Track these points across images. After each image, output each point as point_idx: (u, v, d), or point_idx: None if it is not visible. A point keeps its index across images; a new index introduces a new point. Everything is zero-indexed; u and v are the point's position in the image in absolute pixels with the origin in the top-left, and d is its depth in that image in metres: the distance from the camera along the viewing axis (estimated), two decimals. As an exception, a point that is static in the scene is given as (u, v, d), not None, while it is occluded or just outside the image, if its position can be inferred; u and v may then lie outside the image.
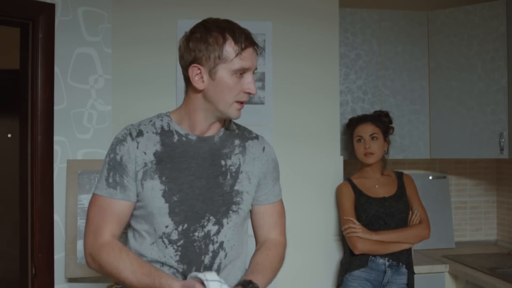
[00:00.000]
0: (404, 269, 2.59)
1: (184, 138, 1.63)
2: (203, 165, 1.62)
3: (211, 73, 1.56)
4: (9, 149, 4.42)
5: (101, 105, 2.58)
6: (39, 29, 2.40)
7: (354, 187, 2.72)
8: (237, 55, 1.54)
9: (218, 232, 1.63)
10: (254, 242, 1.82)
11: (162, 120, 1.66)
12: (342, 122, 3.00)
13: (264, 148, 1.75)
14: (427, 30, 3.19)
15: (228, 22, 1.60)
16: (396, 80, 3.16)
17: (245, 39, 1.56)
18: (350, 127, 2.83)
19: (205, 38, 1.55)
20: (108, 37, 2.60)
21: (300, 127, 2.79)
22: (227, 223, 1.64)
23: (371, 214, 2.63)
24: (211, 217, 1.62)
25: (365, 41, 3.12)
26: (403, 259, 2.60)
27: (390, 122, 2.80)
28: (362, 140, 2.71)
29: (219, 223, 1.62)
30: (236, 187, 1.65)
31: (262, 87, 2.73)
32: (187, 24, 2.67)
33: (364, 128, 2.72)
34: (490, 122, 2.95)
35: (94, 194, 1.61)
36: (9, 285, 4.04)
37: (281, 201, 1.82)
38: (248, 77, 1.58)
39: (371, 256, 2.59)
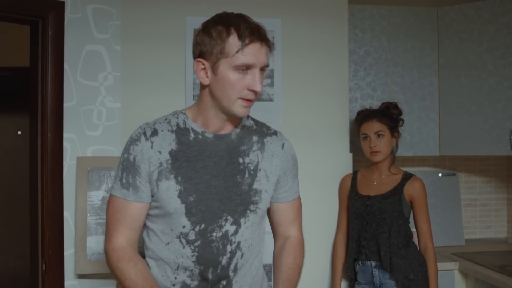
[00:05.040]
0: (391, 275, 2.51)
1: (200, 136, 1.60)
2: (220, 164, 1.59)
3: (214, 68, 1.52)
4: (19, 146, 4.45)
5: (111, 102, 2.58)
6: (48, 26, 2.41)
7: (354, 180, 2.73)
8: (239, 50, 1.48)
9: (236, 232, 1.60)
10: (271, 238, 1.82)
11: (177, 118, 1.63)
12: (352, 119, 3.00)
13: (283, 145, 1.72)
14: (437, 27, 3.17)
15: (239, 16, 1.54)
16: (405, 77, 3.14)
17: (250, 34, 1.49)
18: (357, 123, 2.79)
19: (210, 31, 1.51)
20: (117, 34, 2.61)
21: (309, 124, 2.78)
22: (245, 223, 1.61)
23: (353, 211, 2.65)
24: (229, 217, 1.58)
25: (374, 37, 3.11)
26: (385, 263, 2.50)
27: (400, 113, 2.73)
28: (367, 138, 2.67)
29: (236, 223, 1.59)
30: (254, 186, 1.62)
31: (271, 84, 2.73)
32: (196, 21, 2.67)
33: (369, 126, 2.67)
34: (501, 119, 2.92)
35: (110, 194, 1.61)
36: (20, 281, 4.07)
37: (299, 197, 1.81)
38: (253, 74, 1.51)
39: (359, 260, 2.60)
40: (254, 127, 1.70)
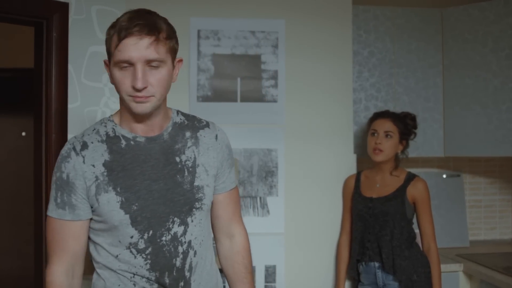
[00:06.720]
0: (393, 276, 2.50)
1: (132, 142, 1.56)
2: (158, 166, 1.56)
3: (110, 67, 1.52)
4: (24, 147, 4.46)
5: (114, 103, 2.59)
6: (53, 28, 2.41)
7: (358, 181, 2.72)
8: (116, 46, 1.46)
9: (184, 232, 1.58)
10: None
11: (106, 126, 1.59)
12: (355, 120, 2.99)
13: (216, 136, 1.70)
14: (441, 28, 3.16)
15: (134, 12, 1.53)
16: (409, 77, 3.13)
17: (125, 28, 1.46)
18: (370, 122, 2.75)
19: (107, 32, 1.53)
20: (121, 36, 2.61)
21: (313, 125, 2.78)
22: (192, 221, 1.59)
23: (355, 212, 2.65)
24: (176, 219, 1.56)
25: (378, 38, 3.10)
26: (388, 265, 2.50)
27: (414, 126, 2.69)
28: (375, 134, 2.64)
29: (184, 223, 1.58)
30: (196, 183, 1.60)
31: (275, 85, 2.73)
32: (200, 22, 2.68)
33: (381, 123, 2.64)
34: (505, 120, 2.91)
35: (47, 215, 1.56)
36: (24, 282, 4.08)
37: (236, 188, 1.79)
38: (135, 70, 1.46)
39: (362, 261, 2.60)
40: (186, 122, 1.67)
